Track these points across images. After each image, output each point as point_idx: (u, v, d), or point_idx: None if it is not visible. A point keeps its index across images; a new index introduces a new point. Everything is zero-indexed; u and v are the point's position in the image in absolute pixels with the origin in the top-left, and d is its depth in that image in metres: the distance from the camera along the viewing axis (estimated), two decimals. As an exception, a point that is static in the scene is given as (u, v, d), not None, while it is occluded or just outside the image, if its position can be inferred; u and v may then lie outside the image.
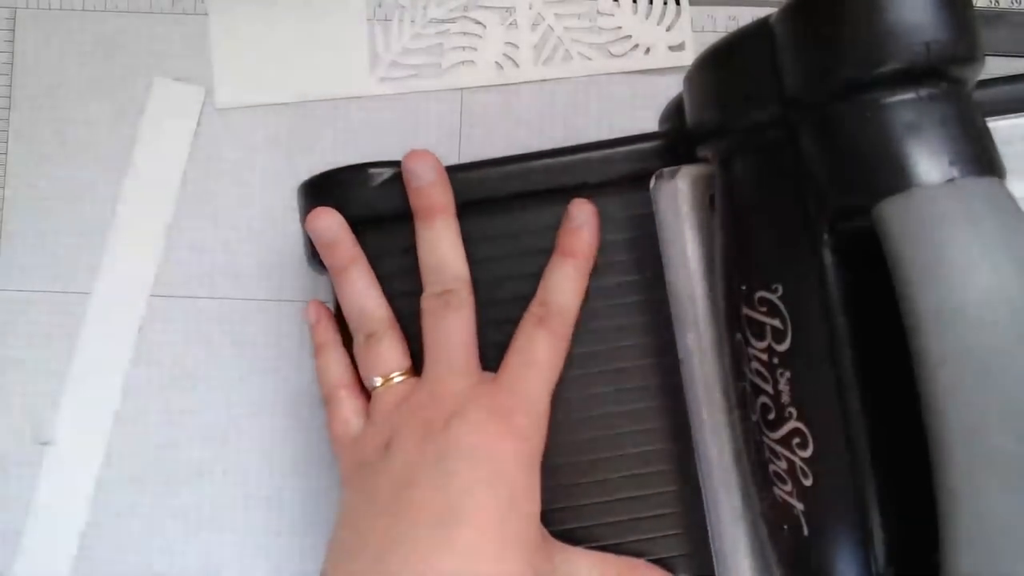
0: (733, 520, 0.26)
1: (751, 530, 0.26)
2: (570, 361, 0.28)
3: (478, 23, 0.38)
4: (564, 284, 0.28)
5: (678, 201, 0.26)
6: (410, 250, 0.29)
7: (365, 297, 0.29)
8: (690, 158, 0.27)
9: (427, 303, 0.28)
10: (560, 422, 0.28)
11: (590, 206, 0.28)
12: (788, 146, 0.22)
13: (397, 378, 0.28)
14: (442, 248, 0.28)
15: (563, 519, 0.28)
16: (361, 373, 0.29)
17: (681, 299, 0.27)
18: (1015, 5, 0.37)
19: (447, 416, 0.26)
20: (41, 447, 0.37)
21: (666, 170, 0.27)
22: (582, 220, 0.28)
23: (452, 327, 0.28)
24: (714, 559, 0.26)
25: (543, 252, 0.29)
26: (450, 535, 0.24)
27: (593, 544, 0.28)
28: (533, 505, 0.26)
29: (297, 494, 0.36)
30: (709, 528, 0.26)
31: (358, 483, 0.27)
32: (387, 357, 0.28)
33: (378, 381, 0.28)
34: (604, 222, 0.29)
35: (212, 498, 0.37)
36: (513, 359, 0.28)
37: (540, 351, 0.27)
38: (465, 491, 0.25)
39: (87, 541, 0.36)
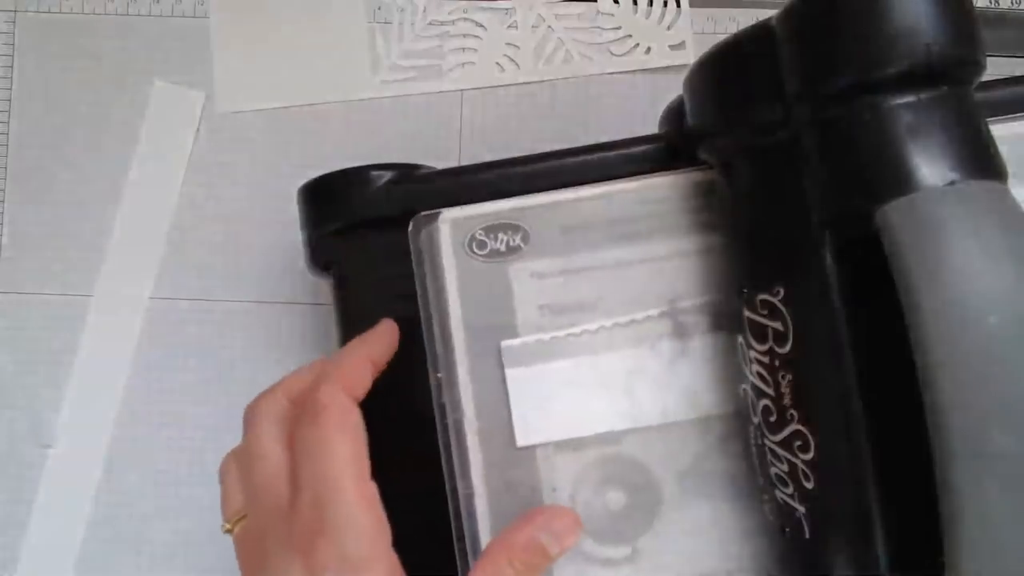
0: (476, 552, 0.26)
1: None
2: None
3: (478, 24, 0.38)
4: None
5: (440, 244, 0.27)
6: (410, 253, 0.29)
7: None
8: (691, 160, 0.27)
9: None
10: None
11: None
12: (789, 148, 0.22)
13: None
14: None
15: None
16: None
17: (436, 338, 0.27)
18: (1015, 5, 0.37)
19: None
20: (43, 450, 0.37)
21: (423, 214, 0.27)
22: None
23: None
24: None
25: None
26: None
27: None
28: None
29: (299, 496, 0.36)
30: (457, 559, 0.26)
31: None
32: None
33: None
34: None
35: (212, 502, 0.37)
36: None
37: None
38: None
39: (89, 544, 0.36)
